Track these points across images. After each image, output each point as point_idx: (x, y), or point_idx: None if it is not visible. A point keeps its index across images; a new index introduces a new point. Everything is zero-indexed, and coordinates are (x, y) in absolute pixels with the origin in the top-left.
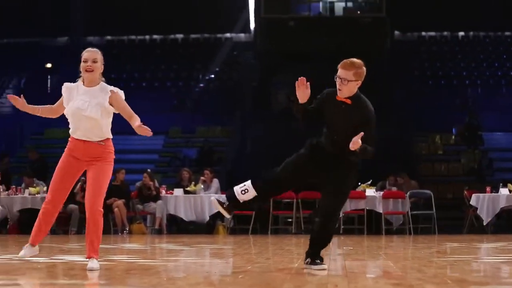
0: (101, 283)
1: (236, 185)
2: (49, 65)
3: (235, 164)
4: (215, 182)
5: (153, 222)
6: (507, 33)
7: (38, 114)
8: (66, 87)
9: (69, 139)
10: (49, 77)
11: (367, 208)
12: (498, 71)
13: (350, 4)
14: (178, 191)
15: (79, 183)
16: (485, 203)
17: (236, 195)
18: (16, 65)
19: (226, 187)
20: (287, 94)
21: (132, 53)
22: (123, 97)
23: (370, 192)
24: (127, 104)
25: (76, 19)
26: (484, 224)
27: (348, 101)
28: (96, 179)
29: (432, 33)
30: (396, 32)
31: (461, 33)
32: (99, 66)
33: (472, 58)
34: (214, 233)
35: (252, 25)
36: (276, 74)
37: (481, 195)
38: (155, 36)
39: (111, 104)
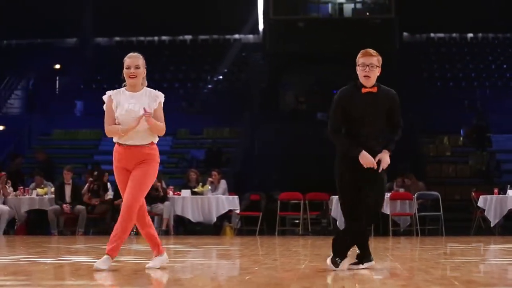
0: (108, 284)
1: (245, 189)
2: (57, 66)
3: (243, 165)
4: (223, 183)
5: (161, 223)
6: (508, 35)
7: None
8: (111, 94)
9: (115, 148)
10: (57, 78)
11: None
12: (507, 73)
13: (359, 5)
14: (186, 192)
15: (87, 184)
16: (492, 205)
17: (332, 267)
18: (24, 66)
19: (234, 188)
20: (296, 95)
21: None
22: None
23: None
24: (162, 113)
25: (85, 20)
26: (492, 225)
27: (374, 89)
28: (138, 177)
29: (441, 35)
30: (405, 34)
31: (470, 35)
32: (142, 71)
33: (480, 59)
34: (221, 234)
35: (261, 26)
36: (284, 75)
37: (488, 196)
38: (163, 37)
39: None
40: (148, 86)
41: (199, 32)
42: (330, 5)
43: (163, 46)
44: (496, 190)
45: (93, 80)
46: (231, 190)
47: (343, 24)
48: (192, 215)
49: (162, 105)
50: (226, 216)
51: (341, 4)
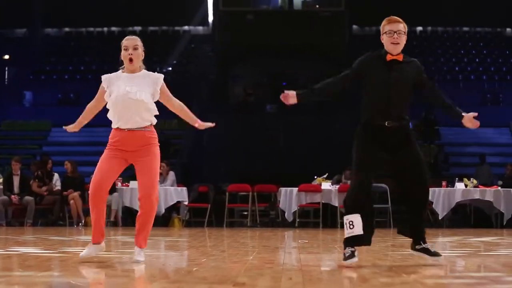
0: (55, 275)
1: (193, 181)
2: (6, 57)
3: (191, 157)
4: (171, 175)
5: (109, 215)
6: (465, 29)
7: (84, 123)
8: (106, 78)
9: (112, 133)
10: (6, 68)
11: (323, 202)
12: (456, 66)
13: None
14: (134, 184)
15: (35, 173)
16: (440, 198)
17: (350, 235)
18: None
19: (182, 180)
20: (244, 87)
21: (90, 45)
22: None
23: (326, 185)
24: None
25: (35, 11)
26: (440, 218)
27: (400, 57)
28: (148, 166)
29: None
30: (355, 26)
31: (419, 28)
32: (140, 53)
33: (429, 53)
34: (170, 225)
35: (210, 18)
36: (233, 67)
37: (436, 189)
38: (113, 28)
39: (161, 93)
40: (97, 77)
41: (148, 24)
42: None
43: (113, 37)
44: (444, 183)
45: (42, 71)
46: (179, 182)
47: (292, 17)
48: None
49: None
50: (175, 208)
51: None
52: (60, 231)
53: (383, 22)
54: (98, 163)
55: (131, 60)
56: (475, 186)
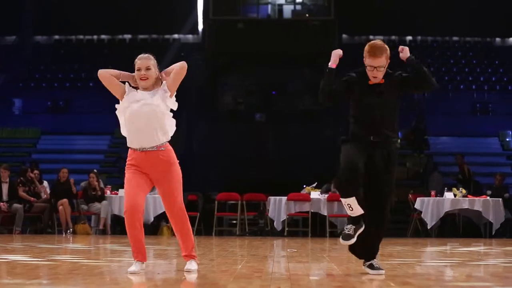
0: (44, 283)
1: (182, 189)
2: None
3: (180, 165)
4: None
5: (98, 223)
6: (455, 38)
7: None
8: (127, 86)
9: (129, 152)
10: None
11: (312, 211)
12: (445, 76)
13: (298, 7)
14: (123, 192)
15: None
16: (429, 207)
17: (353, 215)
18: None
19: None
20: (234, 95)
21: (79, 53)
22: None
23: (315, 194)
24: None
25: (25, 18)
26: (428, 227)
27: (381, 81)
28: (172, 186)
29: (380, 37)
30: (344, 36)
31: (409, 37)
32: (154, 72)
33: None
34: (159, 234)
35: (200, 27)
36: (223, 76)
37: (425, 199)
38: (103, 36)
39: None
40: (86, 85)
41: (138, 32)
42: (269, 6)
43: (102, 45)
44: (433, 193)
45: (32, 79)
46: None
47: (282, 26)
48: None
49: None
50: (164, 216)
51: (280, 5)
52: (49, 239)
53: (366, 49)
54: (126, 186)
55: (143, 79)
56: (464, 196)
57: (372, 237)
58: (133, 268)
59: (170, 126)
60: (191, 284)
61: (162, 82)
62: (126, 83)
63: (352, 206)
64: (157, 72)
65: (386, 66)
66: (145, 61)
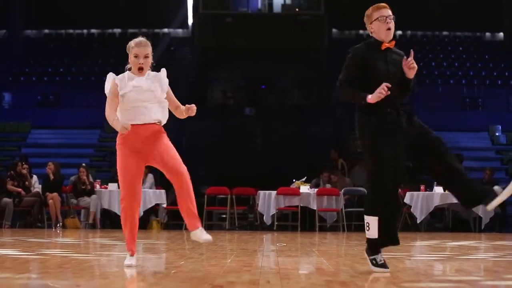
0: (34, 277)
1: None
2: None
3: None
4: (150, 177)
5: (87, 217)
6: (445, 33)
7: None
8: (115, 78)
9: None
10: None
11: (301, 205)
12: (435, 70)
13: (288, 1)
14: (113, 186)
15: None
16: (419, 201)
17: (368, 237)
18: None
19: (161, 182)
20: (224, 90)
21: (69, 47)
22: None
23: (305, 189)
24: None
25: (14, 12)
26: (418, 222)
27: (392, 44)
28: (165, 149)
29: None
30: (334, 30)
31: (399, 32)
32: (150, 60)
33: None
34: (148, 228)
35: (190, 21)
36: (213, 70)
37: (415, 193)
38: (93, 30)
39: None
40: (76, 79)
41: (128, 26)
42: (259, 0)
43: (92, 39)
44: (422, 187)
45: (22, 73)
46: (158, 184)
47: (272, 20)
48: (118, 209)
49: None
50: (153, 210)
51: (270, 0)
52: (39, 233)
53: (370, 10)
54: (120, 175)
55: (141, 69)
56: None
57: (464, 177)
58: (129, 261)
59: (166, 109)
60: (180, 279)
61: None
62: (113, 75)
63: (370, 226)
64: (152, 59)
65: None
66: (144, 49)
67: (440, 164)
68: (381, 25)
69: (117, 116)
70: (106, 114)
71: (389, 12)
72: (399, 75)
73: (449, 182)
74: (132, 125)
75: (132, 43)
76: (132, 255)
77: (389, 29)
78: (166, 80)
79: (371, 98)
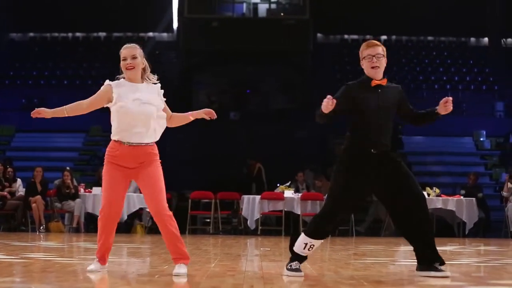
0: (17, 281)
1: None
2: None
3: None
4: (134, 182)
5: (71, 221)
6: (430, 38)
7: (65, 115)
8: (112, 84)
9: (111, 145)
10: None
11: (285, 210)
12: (420, 75)
13: (273, 5)
14: (97, 190)
15: None
16: None
17: (303, 254)
18: None
19: None
20: (208, 94)
21: (54, 51)
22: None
23: (289, 193)
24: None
25: None
26: None
27: (384, 82)
28: (154, 180)
29: (355, 36)
30: (319, 35)
31: (384, 37)
32: (140, 62)
33: (394, 61)
34: (132, 232)
35: (175, 25)
36: (197, 74)
37: None
38: (77, 34)
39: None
40: (61, 83)
41: (113, 30)
42: (244, 4)
43: (77, 43)
44: None
45: (6, 76)
46: None
47: (257, 24)
48: None
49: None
50: (137, 214)
51: (255, 4)
52: (22, 236)
53: (362, 47)
54: (104, 184)
55: (130, 68)
56: (438, 195)
57: (428, 236)
58: (92, 266)
59: (162, 128)
60: (164, 283)
61: (149, 75)
62: (109, 82)
63: (314, 247)
64: (144, 62)
65: (385, 62)
66: (131, 49)
67: (408, 224)
68: (367, 63)
69: (70, 108)
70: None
71: (377, 50)
72: (389, 112)
73: (412, 238)
74: (122, 143)
75: (121, 49)
76: (101, 263)
77: (374, 67)
78: (162, 91)
79: (322, 108)
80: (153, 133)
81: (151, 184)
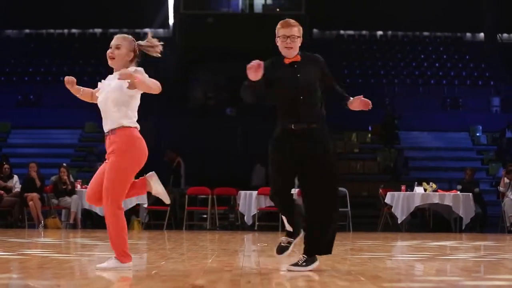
0: (14, 277)
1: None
2: None
3: (150, 159)
4: None
5: (68, 217)
6: (425, 33)
7: (78, 95)
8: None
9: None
10: None
11: None
12: (416, 71)
13: (269, 1)
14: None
15: None
16: (400, 202)
17: (288, 228)
18: None
19: None
20: (204, 90)
21: (50, 47)
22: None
23: None
24: (147, 79)
25: None
26: (399, 222)
27: (298, 58)
28: (108, 172)
29: (351, 32)
30: (315, 30)
31: (380, 32)
32: (124, 53)
33: (389, 57)
34: (129, 228)
35: (171, 21)
36: (193, 70)
37: (396, 193)
38: (73, 30)
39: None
40: (57, 79)
41: (109, 26)
42: (240, 0)
43: (73, 39)
44: (403, 187)
45: (2, 73)
46: None
47: (253, 20)
48: (99, 209)
49: (144, 73)
50: (134, 210)
51: None
52: (19, 233)
53: (278, 25)
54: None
55: (110, 57)
56: (434, 191)
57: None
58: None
59: (123, 114)
60: (161, 278)
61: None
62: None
63: (285, 221)
64: (131, 55)
65: (299, 42)
66: (117, 39)
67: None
68: (282, 43)
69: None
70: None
71: (292, 31)
72: (308, 85)
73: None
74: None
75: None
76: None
77: (288, 47)
78: (135, 70)
79: (249, 76)
80: (115, 119)
81: (106, 177)
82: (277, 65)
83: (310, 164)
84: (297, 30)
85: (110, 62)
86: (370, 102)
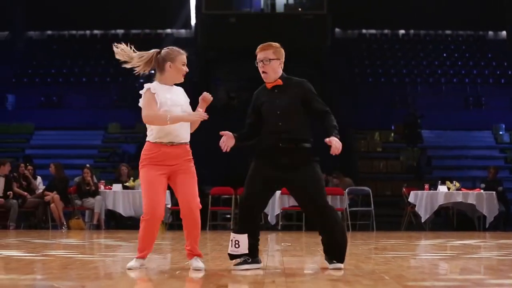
0: (38, 278)
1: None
2: None
3: None
4: None
5: (92, 218)
6: (448, 32)
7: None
8: (152, 87)
9: (149, 147)
10: None
11: None
12: (438, 70)
13: (291, 0)
14: (117, 187)
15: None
16: (423, 200)
17: (234, 253)
18: None
19: None
20: (227, 90)
21: (72, 48)
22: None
23: None
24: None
25: (17, 14)
26: (422, 221)
27: (279, 82)
28: (188, 178)
29: (373, 31)
30: (337, 30)
31: (402, 31)
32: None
33: (412, 56)
34: None
35: (193, 21)
36: (216, 71)
37: (419, 192)
38: (95, 31)
39: None
40: (79, 80)
41: (131, 27)
42: (262, 0)
43: (95, 40)
44: (426, 186)
45: (25, 74)
46: None
47: (275, 20)
48: (123, 210)
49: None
50: None
51: None
52: (43, 234)
53: (256, 51)
54: (145, 184)
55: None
56: (458, 189)
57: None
58: (132, 263)
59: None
60: (185, 279)
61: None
62: (149, 85)
63: (240, 243)
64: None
65: (277, 64)
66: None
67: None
68: (260, 69)
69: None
70: (148, 115)
71: (265, 54)
72: (289, 109)
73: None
74: (163, 144)
75: (177, 52)
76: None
77: (263, 72)
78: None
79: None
80: (188, 132)
81: (188, 182)
82: (262, 91)
83: (293, 176)
84: (271, 52)
85: (181, 80)
86: (339, 148)
